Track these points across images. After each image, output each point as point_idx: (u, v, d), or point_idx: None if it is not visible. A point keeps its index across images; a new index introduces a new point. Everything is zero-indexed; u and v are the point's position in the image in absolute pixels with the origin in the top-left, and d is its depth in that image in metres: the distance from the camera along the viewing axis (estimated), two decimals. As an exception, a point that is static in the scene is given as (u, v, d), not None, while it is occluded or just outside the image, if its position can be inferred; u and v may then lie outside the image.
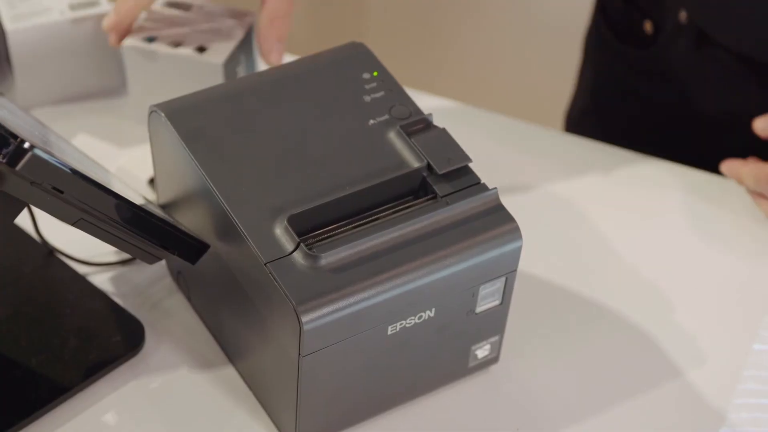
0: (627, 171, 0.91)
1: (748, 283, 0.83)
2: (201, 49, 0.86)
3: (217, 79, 0.85)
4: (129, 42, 0.87)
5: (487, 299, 0.69)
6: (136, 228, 0.66)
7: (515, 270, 0.69)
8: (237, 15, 0.90)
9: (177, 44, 0.87)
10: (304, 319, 0.62)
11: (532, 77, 1.68)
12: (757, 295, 0.82)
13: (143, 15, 0.90)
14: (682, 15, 0.95)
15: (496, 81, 1.78)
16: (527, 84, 1.59)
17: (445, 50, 1.83)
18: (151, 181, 0.85)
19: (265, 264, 0.63)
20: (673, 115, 1.00)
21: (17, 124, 0.64)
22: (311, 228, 0.66)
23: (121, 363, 0.74)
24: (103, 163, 0.84)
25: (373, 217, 0.67)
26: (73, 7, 0.92)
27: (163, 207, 0.76)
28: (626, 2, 1.01)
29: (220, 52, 0.86)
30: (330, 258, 0.64)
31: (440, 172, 0.68)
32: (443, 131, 0.70)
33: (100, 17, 0.92)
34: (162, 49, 0.86)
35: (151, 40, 0.87)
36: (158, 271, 0.80)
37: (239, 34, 0.88)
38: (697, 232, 0.86)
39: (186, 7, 0.91)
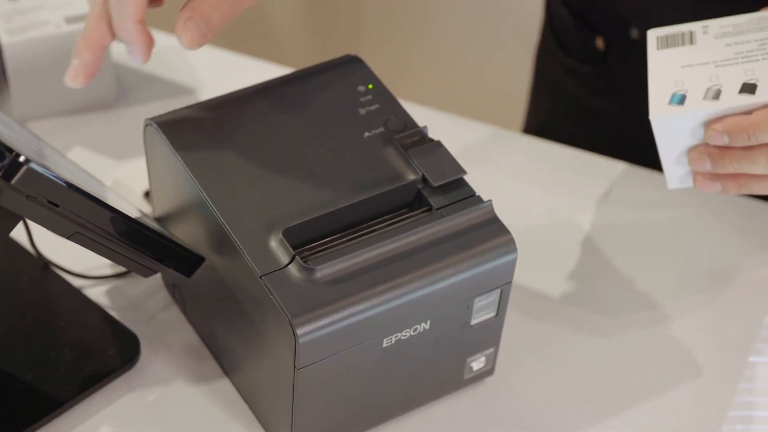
0: (622, 181, 0.91)
1: (743, 295, 0.83)
2: None
3: None
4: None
5: (482, 311, 0.69)
6: (131, 241, 0.66)
7: (510, 282, 0.69)
8: None
9: None
10: (300, 331, 0.62)
11: (518, 90, 1.68)
12: (752, 307, 0.82)
13: None
14: (634, 32, 0.95)
15: (492, 94, 1.78)
16: (523, 97, 1.59)
17: (441, 63, 1.83)
18: (147, 194, 0.85)
19: (260, 277, 0.64)
20: (627, 130, 1.00)
21: (13, 137, 0.64)
22: (306, 241, 0.66)
23: (116, 376, 0.74)
24: (99, 176, 0.84)
25: (369, 230, 0.67)
26: (69, 21, 0.92)
27: (159, 220, 0.77)
28: (577, 19, 1.01)
29: None
30: (325, 271, 0.64)
31: (435, 185, 0.68)
32: (438, 144, 0.70)
33: (96, 30, 0.92)
34: None
35: None
36: (154, 284, 0.80)
37: None
38: (691, 244, 0.86)
39: None
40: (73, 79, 0.69)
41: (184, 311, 0.78)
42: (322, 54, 1.00)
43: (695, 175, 0.71)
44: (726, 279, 0.84)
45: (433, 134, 0.72)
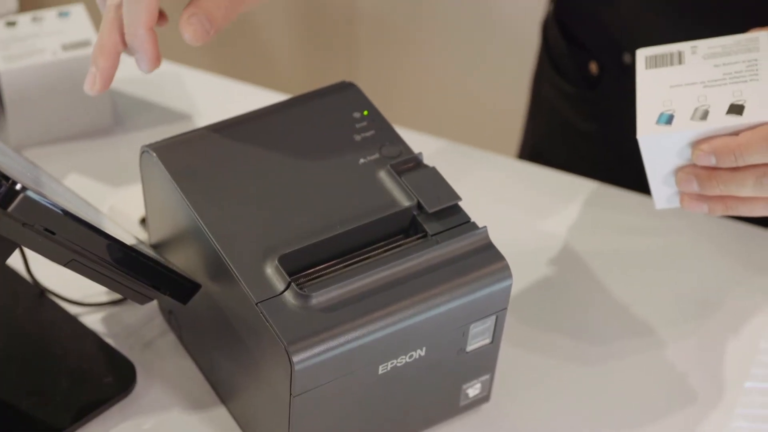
0: (616, 207, 0.91)
1: (737, 320, 0.83)
2: None
3: None
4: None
5: (477, 338, 0.69)
6: (127, 268, 0.66)
7: (505, 308, 0.69)
8: None
9: None
10: (296, 359, 0.62)
11: (516, 114, 1.68)
12: (748, 333, 0.82)
13: None
14: (626, 57, 0.96)
15: (487, 118, 1.79)
16: (519, 121, 1.60)
17: (436, 88, 1.84)
18: (143, 221, 0.85)
19: (256, 304, 0.64)
20: (622, 154, 1.00)
21: (9, 165, 0.64)
22: (302, 267, 0.66)
23: (112, 404, 0.74)
24: (96, 202, 0.85)
25: (364, 256, 0.67)
26: (65, 48, 0.92)
27: (155, 247, 0.77)
28: (571, 43, 1.01)
29: None
30: (321, 297, 0.64)
31: (430, 211, 0.68)
32: (433, 170, 0.70)
33: (93, 57, 0.92)
34: None
35: None
36: (149, 311, 0.80)
37: None
38: (685, 269, 0.87)
39: None
40: (91, 86, 0.70)
41: (180, 338, 0.78)
42: (318, 80, 1.01)
43: (682, 195, 0.71)
44: (719, 304, 0.84)
45: (428, 160, 0.72)
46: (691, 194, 0.70)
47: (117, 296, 0.81)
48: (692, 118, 0.68)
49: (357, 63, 1.83)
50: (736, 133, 0.67)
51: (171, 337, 0.79)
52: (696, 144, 0.68)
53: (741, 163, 0.67)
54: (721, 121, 0.68)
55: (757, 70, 0.69)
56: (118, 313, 0.80)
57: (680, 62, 0.72)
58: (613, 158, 1.02)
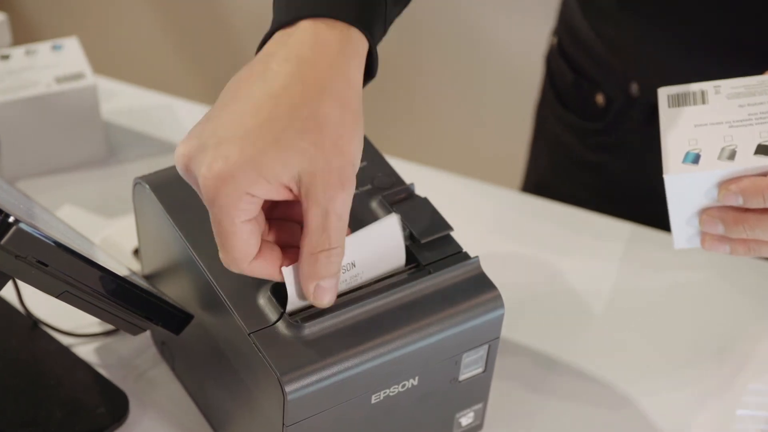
0: (606, 234, 0.92)
1: (730, 346, 0.83)
2: None
3: None
4: None
5: (470, 367, 0.69)
6: (120, 300, 0.66)
7: (498, 337, 0.69)
8: None
9: None
10: (288, 389, 0.62)
11: (515, 146, 1.69)
12: (740, 360, 0.82)
13: None
14: (634, 87, 0.96)
15: (490, 151, 1.79)
16: (510, 152, 1.60)
17: (438, 120, 1.84)
18: (136, 252, 0.85)
19: (248, 334, 0.64)
20: (629, 186, 1.01)
21: (2, 197, 0.64)
22: (295, 298, 0.66)
23: (105, 435, 0.74)
24: (89, 233, 0.85)
25: (357, 287, 0.67)
26: (59, 80, 0.93)
27: (148, 277, 0.77)
28: (577, 75, 1.02)
29: None
30: (313, 328, 0.64)
31: (423, 241, 0.68)
32: (425, 201, 0.71)
33: (87, 90, 0.93)
34: None
35: None
36: (142, 341, 0.80)
37: None
38: (677, 296, 0.87)
39: None
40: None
41: (173, 369, 0.78)
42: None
43: (704, 235, 0.69)
44: (712, 330, 0.84)
45: (425, 191, 0.72)
46: (714, 235, 0.69)
47: (110, 327, 0.81)
48: (719, 158, 0.67)
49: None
50: (764, 174, 0.66)
51: (164, 368, 0.79)
52: (724, 184, 0.67)
53: None
54: (749, 161, 0.66)
55: None
56: (111, 344, 0.80)
57: (703, 101, 0.71)
58: (619, 191, 1.02)
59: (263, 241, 0.62)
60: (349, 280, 0.66)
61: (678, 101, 0.71)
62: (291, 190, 0.60)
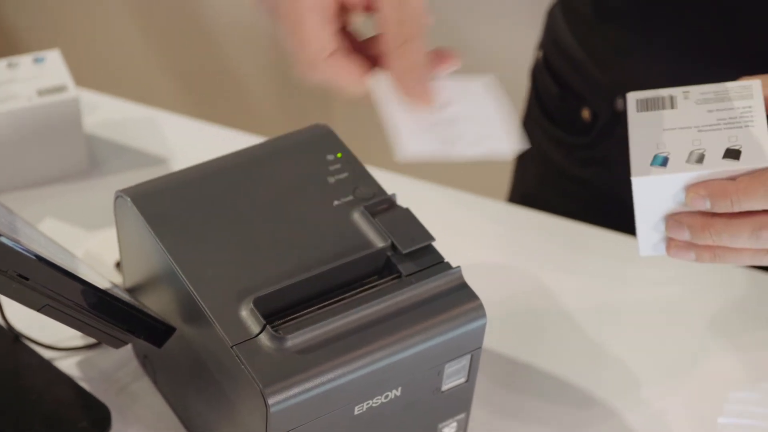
0: (589, 243, 0.92)
1: (711, 355, 0.83)
2: None
3: None
4: None
5: (452, 377, 0.69)
6: (101, 313, 0.66)
7: (480, 347, 0.69)
8: None
9: None
10: (271, 401, 0.62)
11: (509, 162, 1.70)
12: (721, 368, 0.82)
13: None
14: (619, 102, 0.96)
15: (476, 162, 1.79)
16: (496, 164, 1.61)
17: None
18: (118, 265, 0.85)
19: (231, 347, 0.64)
20: (616, 200, 1.01)
21: (-17, 211, 0.64)
22: (277, 309, 0.66)
23: (87, 449, 0.74)
24: (71, 246, 0.85)
25: (339, 298, 0.67)
26: (41, 93, 0.92)
27: (130, 290, 0.77)
28: (562, 89, 1.02)
29: None
30: (296, 339, 0.64)
31: (404, 252, 0.69)
32: (407, 211, 0.71)
33: (69, 102, 0.92)
34: None
35: None
36: (124, 355, 0.80)
37: None
38: (661, 307, 0.87)
39: None
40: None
41: (155, 382, 0.78)
42: (294, 122, 1.01)
43: (669, 242, 0.69)
44: (693, 339, 0.84)
45: (407, 201, 0.72)
46: (680, 241, 0.68)
47: (92, 340, 0.80)
48: (688, 161, 0.67)
49: (333, 104, 1.84)
50: (732, 178, 0.66)
51: (146, 381, 0.79)
52: (692, 187, 0.67)
53: (737, 209, 0.65)
54: (718, 164, 0.66)
55: (752, 116, 0.68)
56: (92, 358, 0.80)
57: (672, 106, 0.71)
58: (606, 204, 1.02)
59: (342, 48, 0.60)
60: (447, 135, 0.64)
61: (647, 106, 0.71)
62: None
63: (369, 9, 0.63)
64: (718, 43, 0.86)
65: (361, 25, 0.66)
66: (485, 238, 0.92)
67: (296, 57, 0.60)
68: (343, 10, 0.64)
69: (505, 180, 1.24)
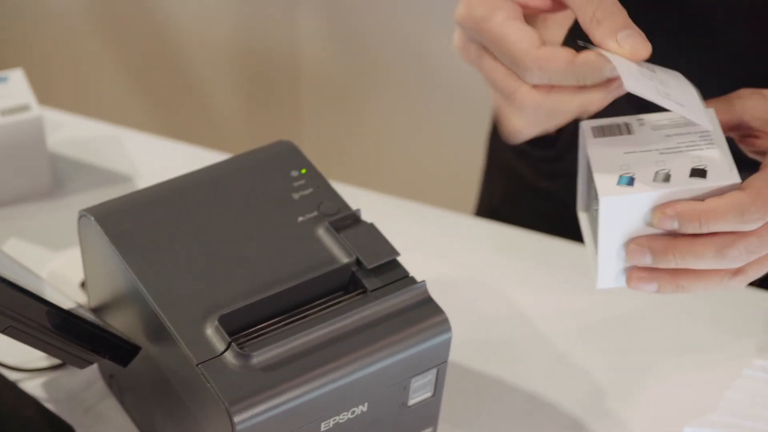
0: (556, 256, 0.92)
1: (677, 367, 0.84)
2: None
3: None
4: None
5: (419, 391, 0.70)
6: (65, 333, 0.66)
7: (446, 361, 0.69)
8: None
9: None
10: (237, 419, 0.62)
11: (465, 171, 1.70)
12: (686, 380, 0.83)
13: None
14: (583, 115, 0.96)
15: (430, 174, 1.80)
16: (463, 178, 1.61)
17: (390, 145, 1.85)
18: (84, 284, 0.85)
19: (196, 365, 0.64)
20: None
21: (-56, 232, 0.64)
22: (242, 327, 0.66)
23: (53, 470, 0.73)
24: (35, 267, 0.84)
25: (304, 314, 0.68)
26: (4, 113, 0.92)
27: (95, 310, 0.76)
28: None
29: None
30: (261, 356, 0.64)
31: (369, 267, 0.69)
32: (371, 226, 0.71)
33: (32, 121, 0.92)
34: None
35: None
36: (90, 375, 0.80)
37: None
38: (629, 320, 0.88)
39: None
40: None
41: (122, 402, 0.78)
42: (262, 138, 1.01)
43: (630, 271, 0.66)
44: (658, 350, 0.85)
45: (372, 217, 0.72)
46: (641, 270, 0.66)
47: (57, 361, 0.80)
48: (654, 180, 0.65)
49: (301, 121, 1.84)
50: (700, 199, 0.64)
51: (112, 401, 0.78)
52: (659, 208, 0.64)
53: (705, 230, 0.64)
54: (686, 183, 0.64)
55: (711, 140, 0.67)
56: (58, 378, 0.79)
57: (629, 132, 0.69)
58: (572, 217, 1.02)
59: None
60: (659, 88, 0.64)
61: (603, 132, 0.70)
62: None
63: (552, 7, 0.68)
64: (685, 65, 0.87)
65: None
66: (451, 253, 0.92)
67: (510, 57, 0.64)
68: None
69: (471, 195, 1.24)
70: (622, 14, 0.64)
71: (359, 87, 1.78)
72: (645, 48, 0.64)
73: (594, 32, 0.64)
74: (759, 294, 0.88)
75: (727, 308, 0.88)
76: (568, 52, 0.63)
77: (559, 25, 0.71)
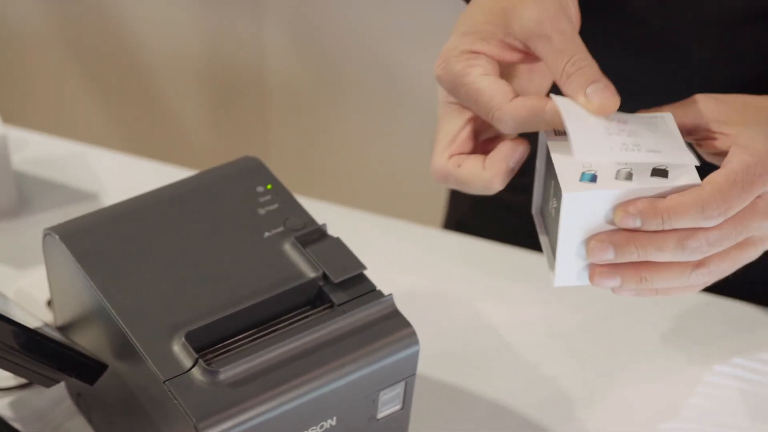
0: (523, 268, 0.93)
1: (646, 374, 0.85)
2: None
3: None
4: None
5: (388, 404, 0.70)
6: (30, 352, 0.66)
7: (414, 374, 0.70)
8: None
9: None
10: (205, 435, 0.62)
11: (432, 185, 1.71)
12: (655, 388, 0.84)
13: None
14: None
15: (397, 188, 1.80)
16: (427, 191, 1.62)
17: (346, 160, 1.85)
18: (50, 303, 0.84)
19: (163, 382, 0.63)
20: None
21: None
22: (210, 343, 0.66)
23: (21, 490, 0.73)
24: (1, 286, 0.84)
25: (272, 329, 0.68)
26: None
27: (62, 328, 0.76)
28: None
29: None
30: (229, 372, 0.64)
31: (336, 281, 0.69)
32: (337, 240, 0.71)
33: (-3, 140, 0.92)
34: None
35: None
36: (58, 393, 0.79)
37: None
38: (592, 327, 0.88)
39: None
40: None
41: (90, 420, 0.77)
42: (229, 154, 1.01)
43: (592, 268, 0.67)
44: (628, 359, 0.86)
45: (338, 231, 0.73)
46: (603, 266, 0.66)
47: (23, 380, 0.79)
48: (617, 178, 0.65)
49: (269, 136, 1.84)
50: (661, 196, 0.65)
51: (80, 419, 0.78)
52: (621, 206, 0.65)
53: (667, 227, 0.64)
54: (648, 181, 0.65)
55: (672, 140, 0.67)
56: (25, 397, 0.79)
57: None
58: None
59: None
60: (627, 141, 0.66)
61: (564, 134, 0.69)
62: (512, 46, 0.69)
63: (526, 59, 0.71)
64: (639, 77, 0.88)
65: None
66: (418, 265, 0.92)
67: (487, 112, 0.68)
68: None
69: (439, 209, 1.25)
70: (591, 68, 0.67)
71: (326, 101, 1.78)
72: (613, 102, 0.66)
73: (564, 87, 0.67)
74: (722, 301, 0.89)
75: (691, 315, 0.89)
76: (537, 103, 0.67)
77: (541, 76, 0.73)
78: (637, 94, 0.86)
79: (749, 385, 0.83)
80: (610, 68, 0.86)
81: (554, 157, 0.67)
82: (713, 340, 0.87)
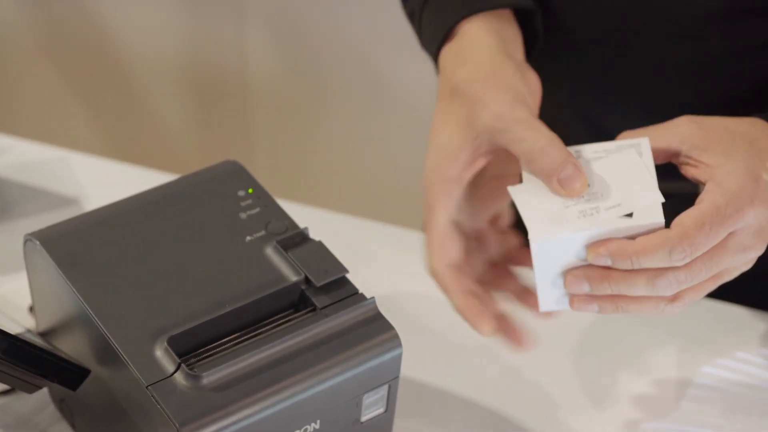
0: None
1: (631, 377, 0.85)
2: None
3: None
4: None
5: (371, 408, 0.70)
6: (12, 358, 0.65)
7: (398, 377, 0.70)
8: None
9: None
10: (188, 440, 0.62)
11: (415, 187, 1.71)
12: (640, 390, 0.84)
13: None
14: None
15: (392, 196, 1.80)
16: (409, 194, 1.62)
17: (329, 163, 1.85)
18: (32, 308, 0.84)
19: (146, 387, 0.63)
20: (525, 229, 1.02)
21: None
22: (192, 348, 0.66)
23: (4, 497, 0.72)
24: (-17, 292, 0.84)
25: (254, 333, 0.68)
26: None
27: (44, 334, 0.76)
28: None
29: None
30: (212, 377, 0.64)
31: (318, 285, 0.69)
32: (319, 244, 0.71)
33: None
34: None
35: None
36: (41, 399, 0.79)
37: None
38: (576, 329, 0.88)
39: None
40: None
41: (73, 425, 0.77)
42: (212, 158, 1.01)
43: (572, 296, 0.70)
44: (613, 365, 0.86)
45: (320, 234, 0.73)
46: (581, 295, 0.70)
47: (6, 386, 0.79)
48: (584, 218, 0.67)
49: (251, 139, 1.84)
50: (631, 237, 0.67)
51: (64, 425, 0.78)
52: (592, 246, 0.67)
53: (636, 267, 0.67)
54: (613, 222, 0.67)
55: (643, 173, 0.69)
56: (8, 403, 0.79)
57: None
58: (521, 230, 1.02)
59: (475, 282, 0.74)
60: (584, 207, 0.68)
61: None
62: (481, 152, 0.72)
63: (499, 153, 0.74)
64: (618, 77, 0.88)
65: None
66: (401, 268, 0.92)
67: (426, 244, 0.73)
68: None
69: (421, 211, 1.25)
70: (554, 150, 0.70)
71: (309, 104, 1.78)
72: (580, 184, 0.69)
73: (534, 173, 0.71)
74: (709, 303, 0.90)
75: (678, 318, 0.88)
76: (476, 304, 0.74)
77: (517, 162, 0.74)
78: (617, 95, 0.86)
79: (738, 387, 0.84)
80: (590, 69, 0.86)
81: (518, 203, 0.70)
82: (703, 341, 0.87)
